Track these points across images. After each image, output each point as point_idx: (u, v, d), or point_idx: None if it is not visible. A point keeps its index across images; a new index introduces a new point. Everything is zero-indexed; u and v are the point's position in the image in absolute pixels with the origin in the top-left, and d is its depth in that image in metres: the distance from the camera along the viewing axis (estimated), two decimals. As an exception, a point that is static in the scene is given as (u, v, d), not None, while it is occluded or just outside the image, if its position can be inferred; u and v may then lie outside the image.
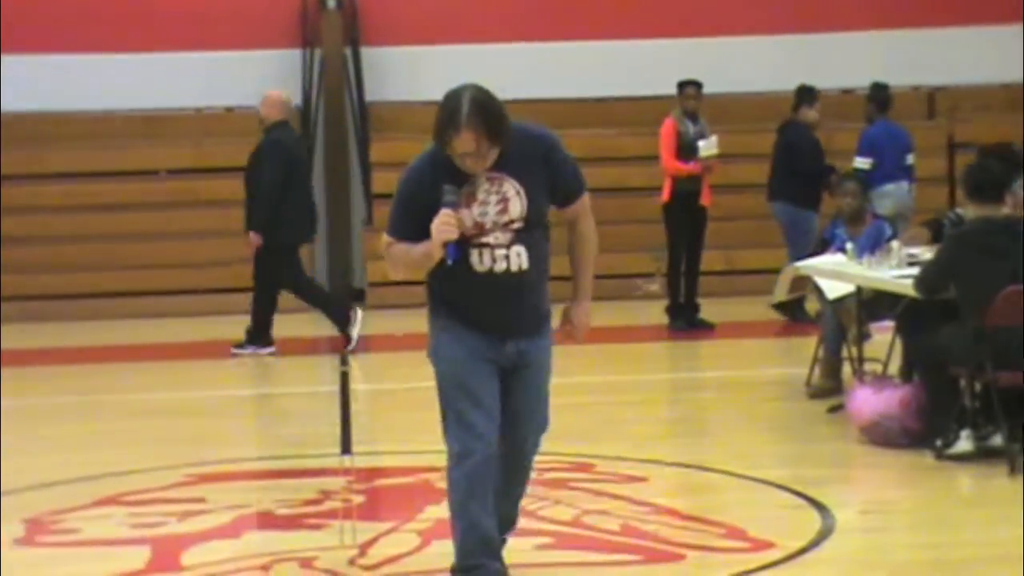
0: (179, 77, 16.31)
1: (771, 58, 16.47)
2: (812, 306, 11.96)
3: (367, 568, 6.54)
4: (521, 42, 16.73)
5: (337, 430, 9.63)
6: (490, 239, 5.88)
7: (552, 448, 8.75)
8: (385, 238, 6.00)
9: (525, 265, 5.95)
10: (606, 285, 15.87)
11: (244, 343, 12.82)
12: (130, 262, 15.90)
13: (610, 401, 10.54)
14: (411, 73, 16.55)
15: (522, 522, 7.16)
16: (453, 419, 5.97)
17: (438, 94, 17.47)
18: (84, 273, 15.79)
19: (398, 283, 15.71)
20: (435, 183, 5.81)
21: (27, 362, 13.01)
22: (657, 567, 6.49)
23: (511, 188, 5.91)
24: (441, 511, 7.40)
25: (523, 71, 16.61)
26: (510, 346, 6.01)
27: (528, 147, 5.96)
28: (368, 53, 16.57)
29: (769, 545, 6.67)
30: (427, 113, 18.87)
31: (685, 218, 13.49)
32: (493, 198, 5.90)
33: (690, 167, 13.31)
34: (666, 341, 13.43)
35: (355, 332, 12.76)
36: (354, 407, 10.33)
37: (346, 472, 8.32)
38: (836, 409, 9.45)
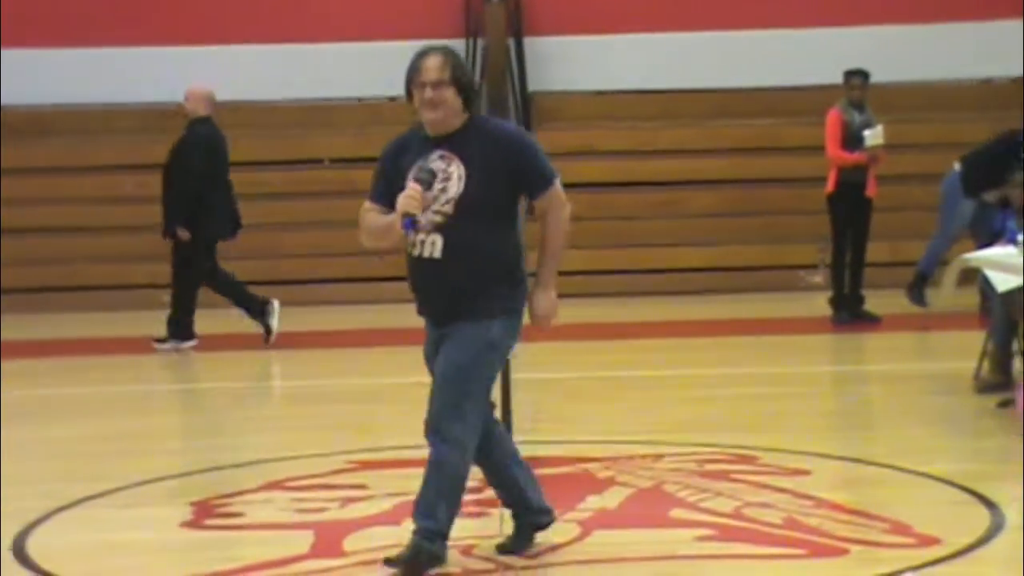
0: (342, 67, 16.48)
1: (939, 46, 16.18)
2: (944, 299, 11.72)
3: (527, 557, 6.54)
4: (682, 32, 16.64)
5: (498, 418, 9.70)
6: (422, 219, 5.94)
7: (714, 439, 8.75)
8: (364, 204, 6.11)
9: (437, 254, 5.97)
10: (770, 276, 15.82)
11: (166, 337, 12.86)
12: (295, 250, 16.10)
13: (773, 393, 10.44)
14: (573, 63, 16.57)
15: (683, 513, 7.15)
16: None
17: (600, 84, 17.59)
18: (249, 260, 16.01)
19: (559, 273, 15.86)
20: (409, 151, 6.00)
21: (216, 347, 13.25)
22: (820, 561, 6.40)
23: (456, 171, 5.96)
24: (602, 501, 7.41)
25: (684, 61, 16.55)
26: (438, 337, 6.14)
27: (491, 139, 6.02)
28: (531, 43, 16.60)
29: (935, 541, 6.55)
30: (589, 103, 19.12)
31: (850, 209, 13.32)
32: (440, 175, 5.96)
33: (855, 157, 13.14)
34: (830, 333, 13.27)
35: (274, 323, 12.78)
36: (515, 396, 10.45)
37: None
38: (1006, 404, 9.27)
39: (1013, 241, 9.90)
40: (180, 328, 12.75)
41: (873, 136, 13.10)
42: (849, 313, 13.40)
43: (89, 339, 14.01)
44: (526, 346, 13.36)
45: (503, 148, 6.00)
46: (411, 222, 5.87)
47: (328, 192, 16.31)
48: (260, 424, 9.73)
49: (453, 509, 6.18)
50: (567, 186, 18.08)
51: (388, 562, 6.19)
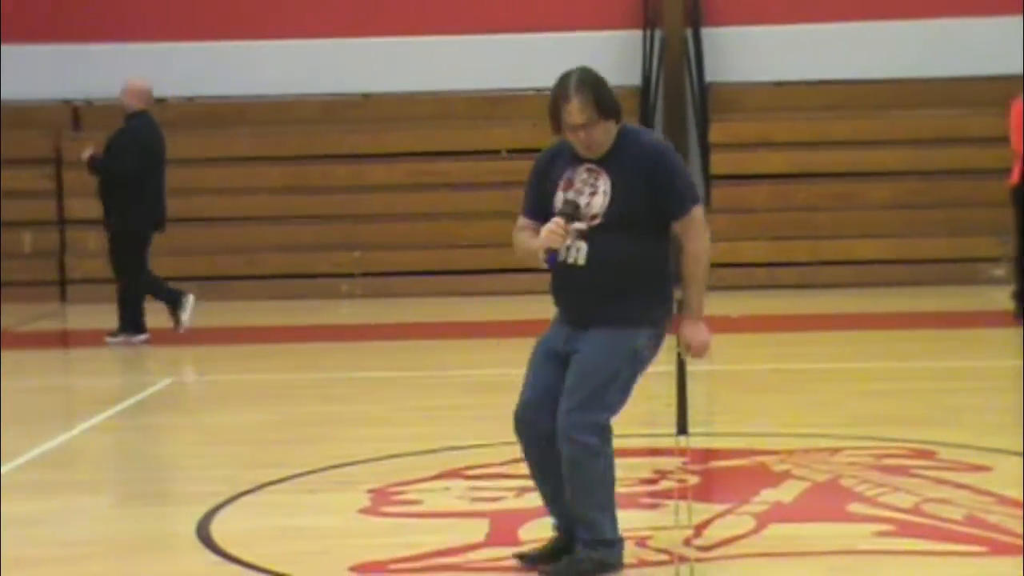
0: (520, 58, 16.56)
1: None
2: None
3: (702, 549, 6.54)
4: (860, 21, 16.44)
5: (673, 410, 9.71)
6: (562, 253, 6.04)
7: (892, 433, 8.66)
8: (519, 219, 6.20)
9: (581, 261, 6.01)
10: (950, 269, 15.58)
11: (116, 331, 12.95)
12: (462, 241, 16.23)
13: (953, 388, 10.30)
14: (751, 54, 16.46)
15: (860, 508, 7.09)
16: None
17: (777, 75, 17.43)
18: (430, 250, 16.21)
19: (735, 264, 15.83)
20: (558, 164, 6.08)
21: (365, 337, 13.44)
22: (1002, 559, 6.31)
23: (603, 184, 6.01)
24: (778, 494, 7.38)
25: (863, 51, 16.36)
26: (569, 334, 6.14)
27: (635, 153, 6.03)
28: (708, 34, 16.53)
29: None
30: (766, 93, 18.95)
31: None
32: (587, 189, 6.03)
33: None
34: (1012, 327, 13.04)
35: (186, 317, 12.78)
36: (690, 388, 10.43)
37: (682, 452, 8.36)
38: None
39: None
40: (130, 322, 12.96)
41: None
42: None
43: (271, 327, 14.29)
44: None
45: (647, 163, 6.02)
46: (554, 257, 6.01)
47: (506, 183, 16.40)
48: (437, 413, 9.84)
49: (604, 511, 6.14)
50: (746, 177, 18.10)
51: (547, 573, 6.16)
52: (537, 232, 6.04)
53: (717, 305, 14.64)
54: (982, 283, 15.21)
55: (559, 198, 6.04)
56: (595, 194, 6.02)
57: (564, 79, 6.11)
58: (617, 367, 6.05)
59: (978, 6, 16.28)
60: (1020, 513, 6.91)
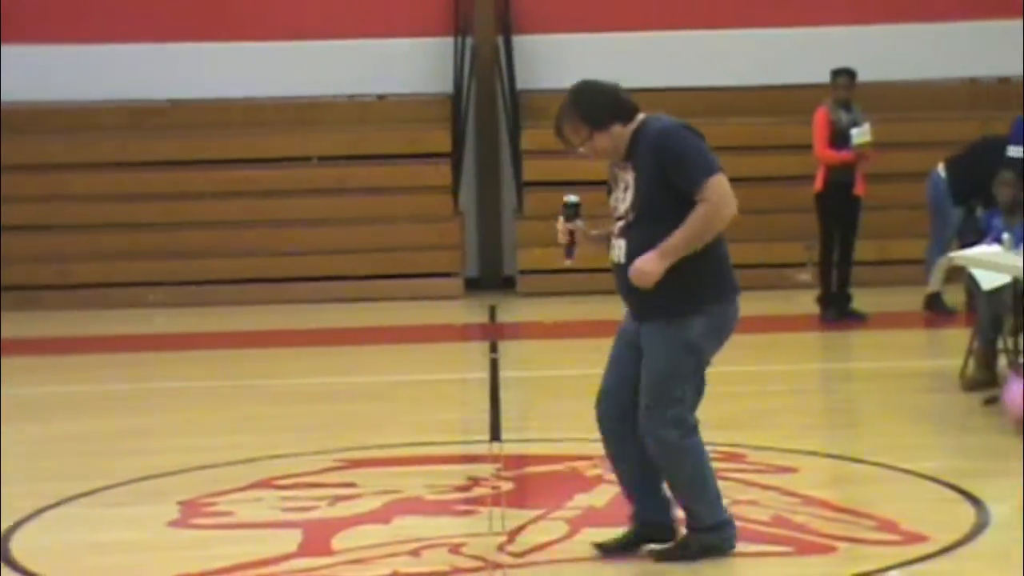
0: (331, 65, 16.48)
1: (928, 46, 16.22)
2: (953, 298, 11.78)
3: (515, 555, 6.56)
4: (673, 30, 16.65)
5: (487, 416, 9.73)
6: (615, 228, 6.29)
7: (702, 436, 8.75)
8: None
9: (622, 258, 6.19)
10: (758, 274, 15.81)
11: None
12: (281, 248, 16.10)
13: (761, 391, 10.46)
14: (563, 62, 16.56)
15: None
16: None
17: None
18: (249, 258, 16.03)
19: (547, 271, 15.92)
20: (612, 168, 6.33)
21: (178, 346, 13.26)
22: (808, 559, 6.43)
23: (629, 180, 6.20)
24: (591, 499, 7.43)
25: (675, 59, 16.56)
26: (637, 327, 6.34)
27: (648, 142, 6.18)
28: (520, 41, 16.60)
29: (922, 538, 6.58)
30: (578, 101, 18.45)
31: (838, 207, 13.35)
32: (621, 186, 6.27)
33: (843, 155, 13.16)
34: (817, 331, 13.30)
35: None
36: (504, 394, 10.46)
37: (495, 459, 8.38)
38: (991, 401, 9.30)
39: (999, 240, 9.94)
40: None
41: (860, 135, 13.12)
42: (837, 311, 13.42)
43: (80, 337, 14.01)
44: (515, 344, 13.42)
45: (653, 148, 6.16)
46: (569, 251, 6.49)
47: (317, 190, 16.32)
48: (248, 423, 9.73)
49: (699, 500, 6.32)
50: (555, 184, 18.12)
51: (656, 555, 6.38)
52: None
53: (530, 311, 14.80)
54: (789, 288, 15.48)
55: (613, 195, 6.34)
56: (627, 188, 6.20)
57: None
58: (675, 363, 6.20)
59: (786, 17, 16.58)
60: (825, 513, 7.05)
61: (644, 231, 6.14)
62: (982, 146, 13.24)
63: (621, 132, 6.20)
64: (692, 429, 6.31)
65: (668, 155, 6.11)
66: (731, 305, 6.31)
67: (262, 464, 8.37)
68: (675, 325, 6.18)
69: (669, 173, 6.09)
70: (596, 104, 6.22)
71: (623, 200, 6.23)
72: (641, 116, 6.24)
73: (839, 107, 13.31)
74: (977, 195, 12.89)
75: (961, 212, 13.23)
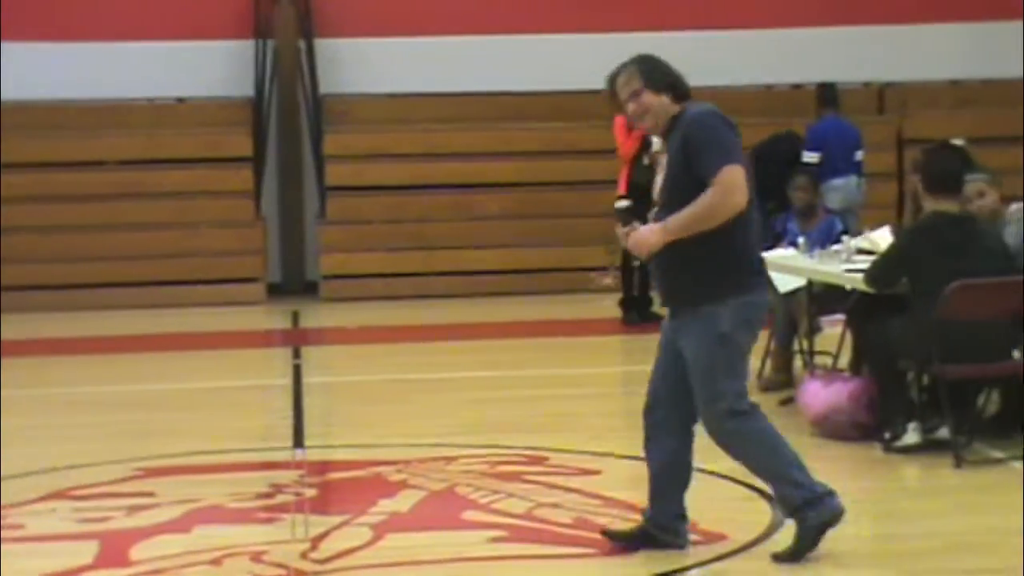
0: (131, 67, 16.23)
1: (724, 54, 16.51)
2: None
3: (318, 562, 6.52)
4: (476, 35, 16.71)
5: (290, 423, 9.65)
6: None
7: (505, 441, 8.81)
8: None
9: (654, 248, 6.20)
10: (560, 278, 15.97)
11: None
12: (79, 253, 15.81)
13: (564, 394, 10.54)
14: (365, 65, 16.53)
15: (475, 515, 7.19)
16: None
17: (392, 87, 17.44)
18: (44, 264, 15.70)
19: (350, 276, 15.88)
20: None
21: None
22: (610, 560, 6.50)
23: (664, 163, 6.22)
24: (395, 504, 7.41)
25: (478, 64, 16.61)
26: (671, 322, 6.34)
27: (681, 126, 6.19)
28: (322, 45, 16.52)
29: (721, 537, 6.69)
30: (380, 105, 18.95)
31: (640, 210, 13.48)
32: (659, 171, 6.29)
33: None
34: (619, 334, 13.44)
35: None
36: (307, 400, 10.39)
37: (298, 465, 8.32)
38: (787, 402, 9.49)
39: (794, 243, 10.15)
40: None
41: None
42: (638, 314, 13.58)
43: None
44: (318, 349, 13.35)
45: (683, 133, 6.14)
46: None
47: (114, 195, 16.04)
48: (43, 432, 9.52)
49: (782, 480, 6.33)
50: (362, 189, 18.02)
51: (777, 557, 6.35)
52: None
53: (333, 316, 14.73)
54: (592, 291, 15.64)
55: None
56: (662, 171, 6.21)
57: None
58: (711, 357, 6.19)
59: (583, 23, 16.73)
60: (628, 514, 7.13)
61: (670, 215, 6.14)
62: (768, 148, 13.50)
63: (668, 105, 6.19)
64: (747, 415, 6.28)
65: (692, 140, 6.10)
66: (754, 294, 6.25)
67: (57, 475, 8.19)
68: (703, 319, 6.18)
69: (691, 158, 6.08)
70: (658, 66, 6.28)
71: (659, 184, 6.24)
72: (686, 103, 6.23)
73: None
74: (769, 194, 13.17)
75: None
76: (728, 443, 6.36)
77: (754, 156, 13.54)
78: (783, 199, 12.64)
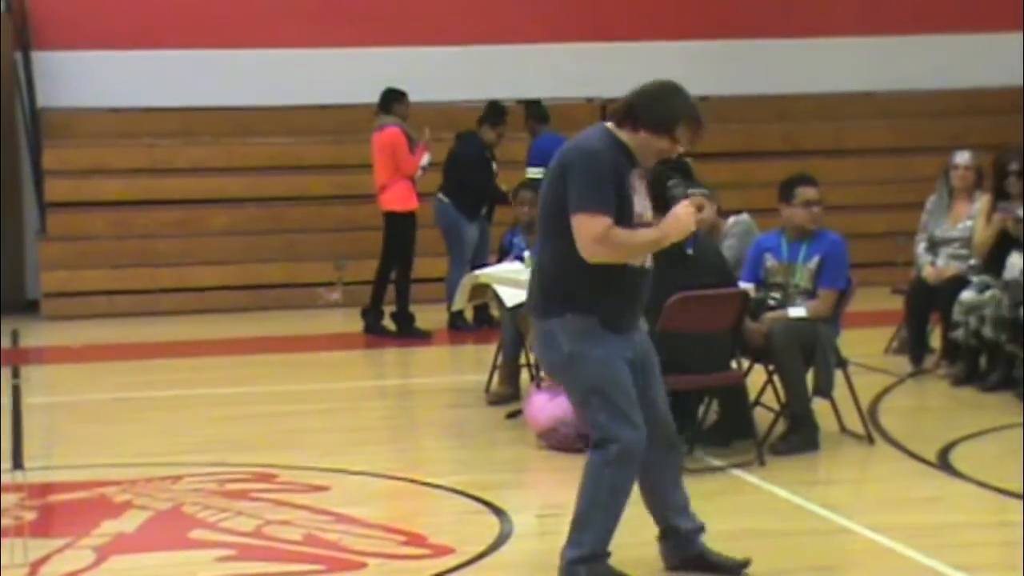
0: None
1: (456, 68, 16.68)
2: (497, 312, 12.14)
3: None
4: (200, 49, 16.54)
5: (9, 444, 9.41)
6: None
7: (233, 459, 8.74)
8: (601, 219, 5.88)
9: (649, 263, 6.15)
10: (288, 294, 15.89)
11: None
12: None
13: (293, 411, 10.50)
14: (85, 79, 16.21)
15: (203, 534, 7.12)
16: (614, 420, 6.00)
17: (114, 100, 17.14)
18: None
19: (72, 294, 15.54)
20: (619, 163, 5.97)
21: None
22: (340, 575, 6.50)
23: (644, 188, 6.12)
24: (119, 525, 7.29)
25: (202, 78, 16.45)
26: (636, 337, 6.15)
27: None
28: (40, 58, 16.15)
29: (449, 551, 6.75)
30: (102, 120, 18.62)
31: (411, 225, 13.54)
32: (641, 194, 6.08)
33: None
34: (348, 350, 13.44)
35: None
36: (27, 421, 10.14)
37: (18, 488, 8.12)
38: (514, 415, 9.61)
39: (520, 258, 10.30)
40: None
41: (428, 159, 13.43)
42: (368, 326, 13.61)
43: None
44: (39, 368, 13.03)
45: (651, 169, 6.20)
46: (692, 242, 6.26)
47: None
48: None
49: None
50: (83, 204, 17.63)
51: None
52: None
53: (56, 334, 14.39)
54: (320, 307, 15.60)
55: (638, 203, 5.99)
56: (647, 197, 6.07)
57: (690, 99, 6.10)
58: None
59: (312, 39, 16.70)
60: (356, 530, 7.14)
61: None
62: (463, 160, 13.72)
63: None
64: None
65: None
66: None
67: None
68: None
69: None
70: None
71: (647, 207, 6.10)
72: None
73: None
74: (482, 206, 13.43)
75: (475, 227, 13.67)
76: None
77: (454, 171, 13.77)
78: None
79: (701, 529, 6.39)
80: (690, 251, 6.52)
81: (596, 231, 5.88)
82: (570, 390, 6.18)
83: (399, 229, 13.49)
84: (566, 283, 6.01)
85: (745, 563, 6.34)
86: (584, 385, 6.04)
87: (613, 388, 6.00)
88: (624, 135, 6.05)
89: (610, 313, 6.02)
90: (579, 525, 6.16)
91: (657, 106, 6.04)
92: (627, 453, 6.03)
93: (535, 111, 14.81)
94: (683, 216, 6.05)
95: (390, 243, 13.57)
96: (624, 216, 5.95)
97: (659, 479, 6.31)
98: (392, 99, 13.62)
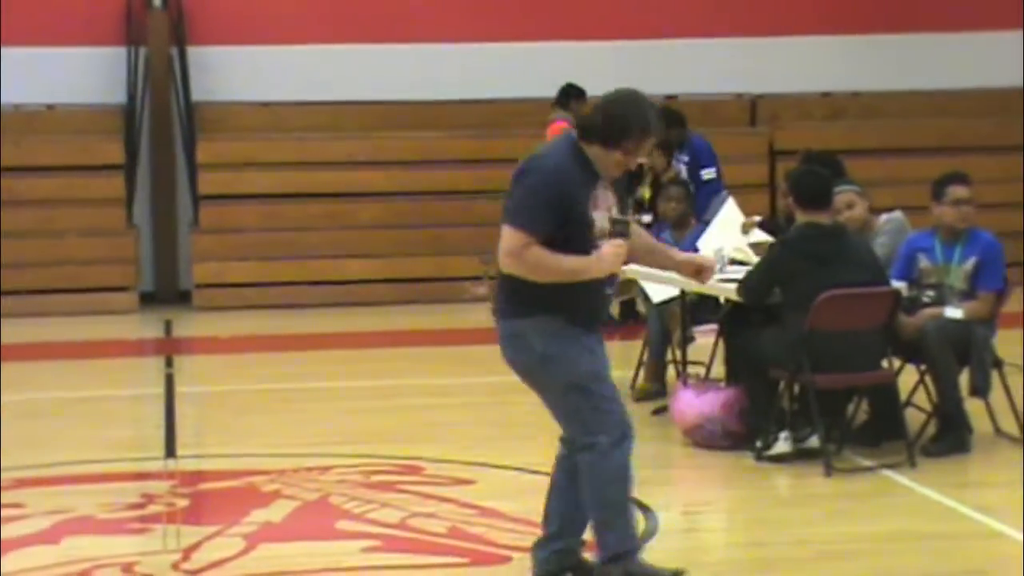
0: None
1: (607, 64, 16.64)
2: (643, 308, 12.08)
3: (190, 573, 6.47)
4: (348, 44, 16.67)
5: (162, 433, 9.57)
6: (601, 244, 5.97)
7: (379, 451, 8.80)
8: (521, 236, 5.88)
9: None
10: (435, 288, 15.97)
11: None
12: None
13: (439, 404, 10.55)
14: (238, 73, 16.42)
15: (349, 525, 7.18)
16: (597, 413, 6.01)
17: (265, 95, 17.33)
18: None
19: (224, 285, 15.76)
20: (575, 180, 5.90)
21: None
22: (483, 569, 6.51)
23: (611, 199, 6.04)
24: (268, 514, 7.38)
25: (351, 73, 16.57)
26: (595, 338, 6.13)
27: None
28: (195, 53, 16.38)
29: (592, 546, 6.72)
30: (254, 113, 18.84)
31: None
32: (605, 204, 5.99)
33: None
34: (494, 344, 13.43)
35: None
36: (179, 410, 10.30)
37: (170, 476, 8.25)
38: (660, 411, 9.56)
39: (668, 254, 10.22)
40: None
41: None
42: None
43: None
44: (191, 359, 13.23)
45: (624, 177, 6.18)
46: (615, 279, 5.99)
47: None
48: None
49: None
50: (235, 197, 17.87)
51: None
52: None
53: (206, 325, 14.61)
54: (466, 301, 15.65)
55: (599, 217, 5.92)
56: (611, 209, 5.99)
57: (646, 104, 5.99)
58: None
59: (456, 33, 16.75)
60: (501, 524, 7.15)
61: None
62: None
63: None
64: None
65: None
66: None
67: None
68: None
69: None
70: None
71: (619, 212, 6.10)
72: None
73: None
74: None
75: None
76: None
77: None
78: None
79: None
80: (609, 291, 6.34)
81: (513, 245, 5.87)
82: (545, 391, 6.11)
83: None
84: (534, 284, 5.94)
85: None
86: (561, 383, 6.01)
87: (593, 380, 5.99)
88: (586, 148, 5.97)
89: (578, 313, 5.99)
90: (599, 531, 6.14)
91: (606, 120, 5.94)
92: (617, 437, 5.99)
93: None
94: (607, 255, 5.92)
95: None
96: (579, 233, 5.90)
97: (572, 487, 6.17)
98: (570, 95, 13.60)
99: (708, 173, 13.06)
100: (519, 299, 6.00)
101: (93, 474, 8.39)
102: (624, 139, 5.91)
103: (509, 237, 5.89)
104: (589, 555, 6.26)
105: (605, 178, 6.00)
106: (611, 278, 6.14)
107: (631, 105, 5.96)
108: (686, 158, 12.92)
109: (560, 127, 13.40)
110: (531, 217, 5.86)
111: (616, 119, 5.92)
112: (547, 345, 5.98)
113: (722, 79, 16.75)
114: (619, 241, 5.93)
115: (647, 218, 12.16)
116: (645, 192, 13.59)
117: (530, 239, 5.85)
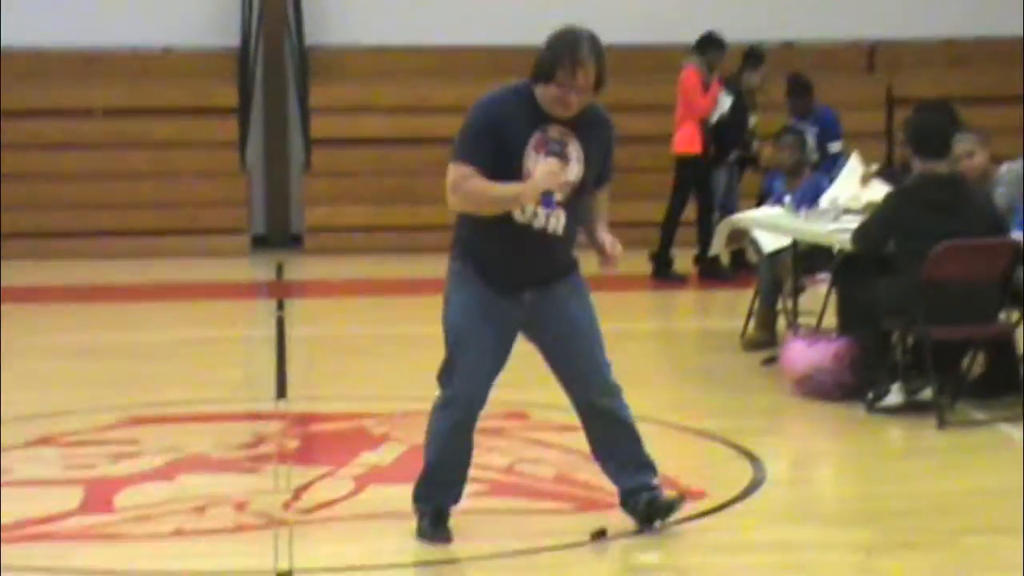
0: (115, 15, 16.13)
1: (711, 10, 16.45)
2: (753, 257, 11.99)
3: (301, 512, 6.54)
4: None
5: (273, 374, 9.67)
6: (558, 196, 5.90)
7: (488, 396, 8.80)
8: (461, 168, 5.93)
9: (560, 231, 6.01)
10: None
11: None
12: (64, 202, 15.75)
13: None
14: (351, 17, 16.45)
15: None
16: (446, 365, 6.16)
17: (379, 38, 17.32)
18: (19, 212, 15.63)
19: (335, 229, 15.84)
20: (516, 119, 5.89)
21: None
22: (589, 515, 6.51)
23: (575, 151, 5.96)
24: (376, 457, 7.44)
25: (465, 16, 16.53)
26: (527, 296, 6.09)
27: (598, 123, 6.05)
28: (308, -3, 16.44)
29: (701, 494, 6.71)
30: (368, 58, 18.84)
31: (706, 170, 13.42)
32: (559, 150, 5.92)
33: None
34: (604, 291, 13.39)
35: None
36: (290, 352, 10.40)
37: (281, 416, 8.34)
38: (770, 361, 9.50)
39: (780, 202, 10.15)
40: None
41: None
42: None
43: None
44: (302, 302, 13.34)
45: (606, 131, 6.06)
46: (551, 199, 5.86)
47: (99, 143, 15.97)
48: (29, 379, 9.51)
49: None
50: (347, 141, 17.88)
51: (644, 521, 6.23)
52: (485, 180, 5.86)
53: (317, 269, 14.70)
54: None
55: (531, 156, 5.86)
56: (568, 160, 5.90)
57: (577, 38, 5.92)
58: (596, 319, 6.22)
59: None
60: (608, 470, 7.13)
61: (573, 204, 6.00)
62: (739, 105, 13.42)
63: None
64: None
65: (613, 141, 6.09)
66: None
67: (42, 421, 8.20)
68: (581, 283, 6.22)
69: (606, 164, 6.06)
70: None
71: (571, 171, 5.93)
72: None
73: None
74: (730, 148, 13.17)
75: (723, 172, 13.45)
76: (623, 400, 6.45)
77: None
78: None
79: (647, 488, 6.23)
80: (544, 210, 5.89)
81: (452, 178, 5.92)
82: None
83: (682, 172, 13.36)
84: (459, 228, 6.09)
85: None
86: (445, 326, 6.14)
87: (457, 338, 6.07)
88: (534, 90, 5.93)
89: (488, 264, 6.00)
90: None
91: (540, 57, 5.94)
92: (448, 403, 6.11)
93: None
94: (538, 175, 5.82)
95: (676, 186, 13.44)
96: (508, 172, 5.84)
97: (604, 438, 6.27)
98: (708, 43, 13.41)
99: (835, 146, 12.89)
100: (454, 241, 6.16)
101: (206, 414, 8.49)
102: (555, 71, 5.85)
103: (452, 171, 5.96)
104: (669, 492, 6.31)
105: (558, 121, 5.89)
106: (543, 235, 5.95)
107: (560, 39, 5.96)
108: (815, 128, 12.72)
109: (692, 74, 13.31)
110: (465, 149, 5.92)
111: (546, 53, 5.93)
112: (447, 287, 6.19)
113: (840, 24, 16.51)
114: (552, 160, 5.86)
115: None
116: (756, 121, 13.46)
117: (468, 170, 5.89)
